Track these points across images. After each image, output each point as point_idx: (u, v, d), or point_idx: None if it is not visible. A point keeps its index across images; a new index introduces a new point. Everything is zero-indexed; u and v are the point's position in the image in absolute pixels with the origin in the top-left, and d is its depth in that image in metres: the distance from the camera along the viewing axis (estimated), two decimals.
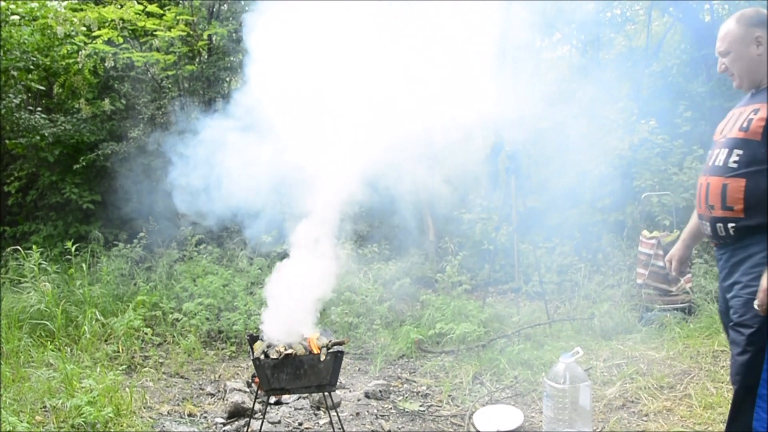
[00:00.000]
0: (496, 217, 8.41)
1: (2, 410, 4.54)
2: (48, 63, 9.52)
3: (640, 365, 5.71)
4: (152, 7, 9.29)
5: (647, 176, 8.25)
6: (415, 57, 4.82)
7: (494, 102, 5.43)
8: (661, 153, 8.43)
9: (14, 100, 9.39)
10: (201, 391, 5.79)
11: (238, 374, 6.20)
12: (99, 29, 9.09)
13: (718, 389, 5.08)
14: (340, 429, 4.61)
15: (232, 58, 10.05)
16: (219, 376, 6.12)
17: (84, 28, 9.12)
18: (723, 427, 4.49)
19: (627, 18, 11.33)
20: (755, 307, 3.03)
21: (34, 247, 7.52)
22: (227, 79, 10.32)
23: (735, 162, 3.18)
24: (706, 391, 5.07)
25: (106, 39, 9.13)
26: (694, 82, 9.71)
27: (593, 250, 8.50)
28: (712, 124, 9.06)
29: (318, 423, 5.07)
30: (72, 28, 8.96)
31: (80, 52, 9.04)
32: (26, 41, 9.34)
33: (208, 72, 9.88)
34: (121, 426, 4.70)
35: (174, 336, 6.79)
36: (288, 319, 4.47)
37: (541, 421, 4.84)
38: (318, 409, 5.31)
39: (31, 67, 9.42)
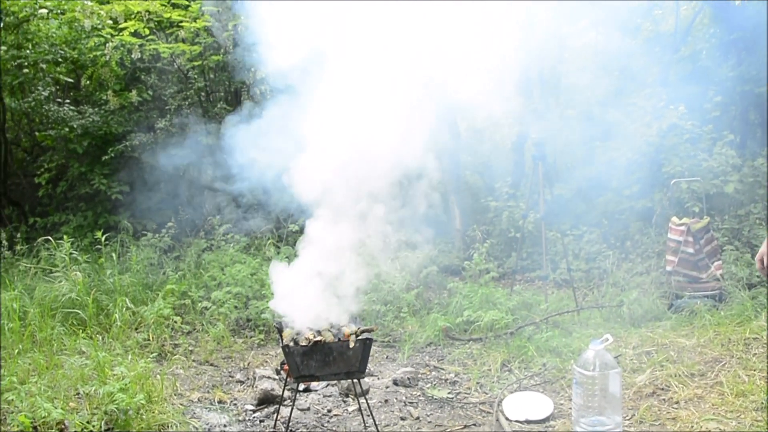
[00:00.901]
0: (523, 204, 8.36)
1: (37, 396, 4.62)
2: (76, 55, 9.60)
3: (670, 352, 5.66)
4: None
5: (676, 162, 8.15)
6: (441, 46, 4.80)
7: (520, 90, 5.40)
8: (691, 139, 8.31)
9: (43, 93, 9.53)
10: (230, 379, 5.85)
11: (267, 362, 6.25)
12: (125, 21, 9.17)
13: (750, 377, 5.02)
14: (369, 416, 4.63)
15: (258, 48, 10.05)
16: (248, 364, 6.18)
17: (110, 21, 9.20)
18: (755, 414, 4.47)
19: (654, 3, 11.15)
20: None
21: (64, 237, 7.61)
22: (252, 69, 10.34)
23: None
24: (738, 379, 5.02)
25: (132, 31, 9.20)
26: (723, 67, 9.54)
27: (621, 238, 8.43)
28: (742, 109, 9.02)
29: (347, 410, 5.11)
30: (99, 21, 9.05)
31: (107, 45, 9.12)
32: (54, 34, 9.44)
33: (233, 62, 9.90)
34: (153, 413, 4.76)
35: (203, 324, 6.85)
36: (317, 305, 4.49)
37: (570, 408, 4.83)
38: (347, 396, 5.34)
39: (59, 59, 9.51)
